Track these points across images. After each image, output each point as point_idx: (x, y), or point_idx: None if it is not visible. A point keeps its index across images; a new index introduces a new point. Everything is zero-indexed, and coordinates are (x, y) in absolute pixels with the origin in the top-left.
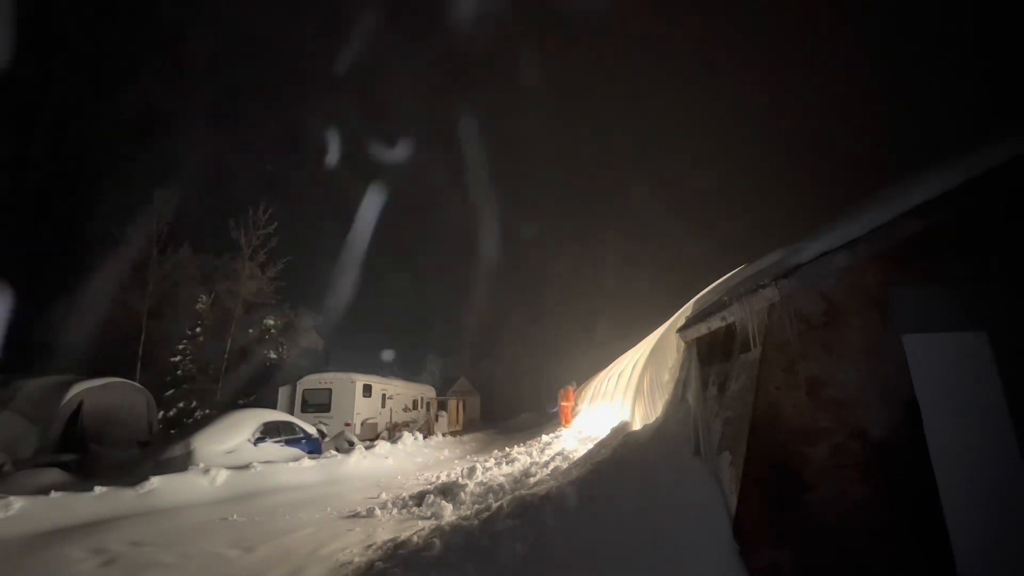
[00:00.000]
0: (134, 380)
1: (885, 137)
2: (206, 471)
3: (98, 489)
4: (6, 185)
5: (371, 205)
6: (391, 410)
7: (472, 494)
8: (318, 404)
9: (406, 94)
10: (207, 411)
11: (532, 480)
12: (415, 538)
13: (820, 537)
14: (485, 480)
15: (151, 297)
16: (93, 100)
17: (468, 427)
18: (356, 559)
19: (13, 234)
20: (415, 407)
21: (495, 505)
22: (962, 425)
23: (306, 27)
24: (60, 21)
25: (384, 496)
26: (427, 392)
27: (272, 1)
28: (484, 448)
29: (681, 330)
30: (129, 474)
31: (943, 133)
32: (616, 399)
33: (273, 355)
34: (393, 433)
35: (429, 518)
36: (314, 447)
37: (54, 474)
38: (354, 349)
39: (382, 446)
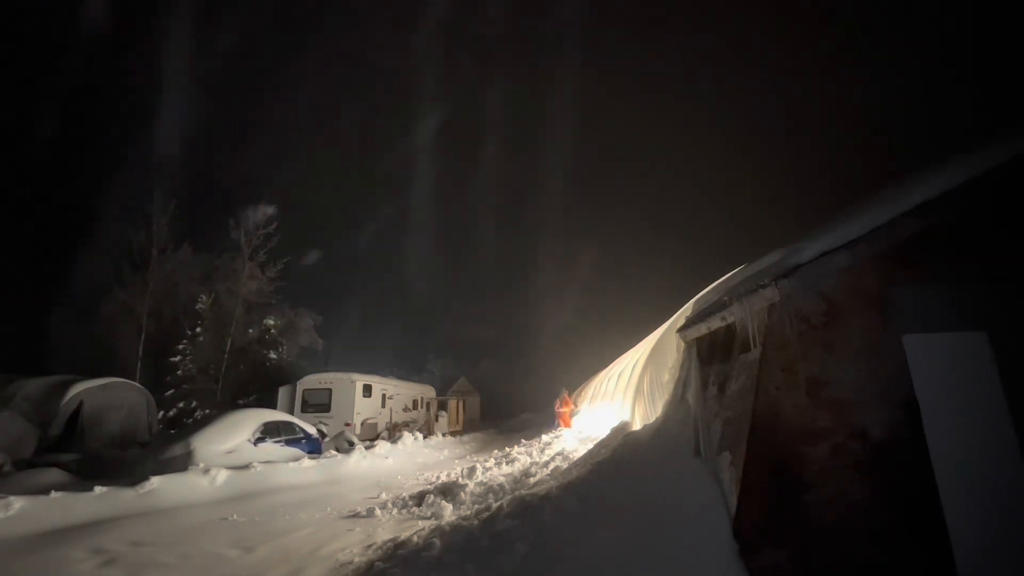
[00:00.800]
0: (134, 380)
1: (885, 137)
2: (206, 471)
3: (98, 489)
4: (6, 185)
5: (372, 204)
6: (391, 410)
7: (472, 494)
8: (318, 404)
9: (410, 91)
10: (207, 411)
11: (532, 480)
12: (415, 538)
13: (820, 537)
14: (485, 480)
15: (151, 297)
16: (93, 100)
17: (468, 427)
18: (356, 559)
19: (13, 234)
20: (415, 407)
21: (495, 505)
22: (962, 425)
23: (313, 20)
24: (60, 20)
25: (384, 496)
26: (427, 392)
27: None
28: (484, 448)
29: (681, 330)
30: (129, 474)
31: (943, 133)
32: (616, 399)
33: (273, 355)
34: (393, 433)
35: (429, 518)
36: (314, 447)
37: (54, 474)
38: (354, 349)
39: (382, 446)
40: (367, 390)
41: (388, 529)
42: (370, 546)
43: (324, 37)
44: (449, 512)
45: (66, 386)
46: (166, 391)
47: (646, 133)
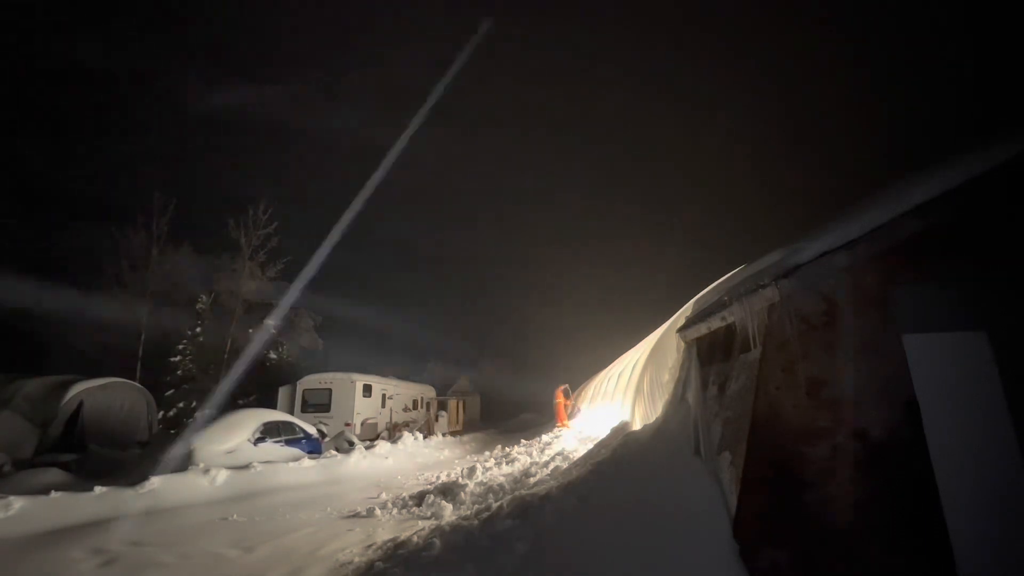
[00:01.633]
0: (134, 380)
1: (885, 137)
2: (206, 471)
3: (98, 489)
4: (7, 184)
5: (373, 204)
6: (391, 410)
7: (472, 494)
8: (318, 404)
9: (410, 89)
10: (207, 411)
11: (532, 480)
12: (415, 538)
13: (820, 537)
14: (485, 480)
15: (151, 297)
16: (94, 99)
17: (468, 427)
18: (356, 559)
19: (13, 234)
20: (415, 407)
21: (495, 505)
22: (962, 425)
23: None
24: (60, 20)
25: (384, 496)
26: (427, 392)
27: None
28: (484, 448)
29: (681, 330)
30: (129, 474)
31: (943, 133)
32: (616, 399)
33: (273, 355)
34: (393, 433)
35: (429, 518)
36: (314, 447)
37: (54, 474)
38: (354, 349)
39: (382, 446)
40: (367, 390)
41: (388, 529)
42: (370, 546)
43: (326, 34)
44: (449, 512)
45: (66, 386)
46: (166, 391)
47: (646, 133)
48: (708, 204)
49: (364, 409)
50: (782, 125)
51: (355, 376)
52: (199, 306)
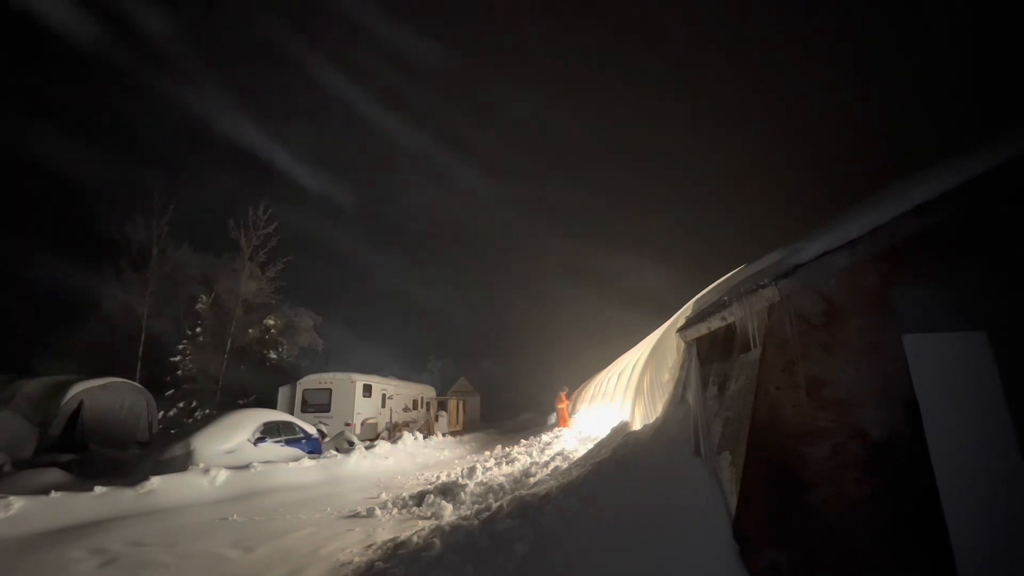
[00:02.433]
0: (134, 380)
1: (885, 137)
2: (206, 471)
3: (98, 489)
4: (7, 185)
5: (374, 204)
6: (391, 410)
7: (472, 494)
8: (318, 404)
9: (412, 88)
10: (207, 411)
11: (532, 480)
12: (415, 538)
13: (820, 537)
14: (485, 480)
15: (151, 297)
16: (93, 100)
17: (468, 427)
18: (356, 559)
19: (13, 234)
20: (415, 407)
21: (495, 505)
22: (962, 425)
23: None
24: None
25: (384, 496)
26: (427, 392)
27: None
28: (484, 448)
29: (681, 330)
30: (129, 474)
31: (943, 133)
32: (616, 399)
33: (273, 355)
34: (393, 433)
35: (429, 518)
36: (314, 447)
37: (54, 474)
38: (354, 349)
39: (382, 446)
40: (367, 390)
41: (388, 529)
42: (370, 546)
43: (330, 34)
44: (449, 512)
45: (66, 386)
46: (166, 391)
47: (646, 133)
48: (708, 204)
49: (364, 409)
50: (782, 125)
51: (355, 376)
52: (199, 306)
